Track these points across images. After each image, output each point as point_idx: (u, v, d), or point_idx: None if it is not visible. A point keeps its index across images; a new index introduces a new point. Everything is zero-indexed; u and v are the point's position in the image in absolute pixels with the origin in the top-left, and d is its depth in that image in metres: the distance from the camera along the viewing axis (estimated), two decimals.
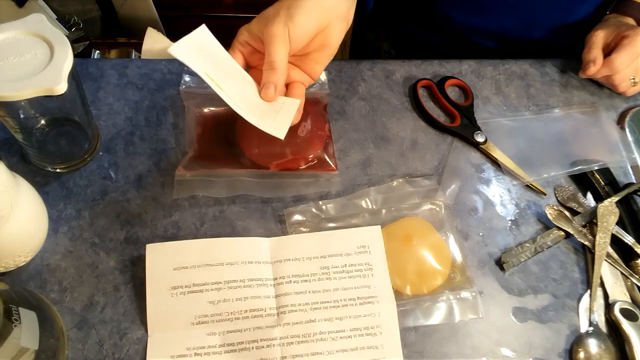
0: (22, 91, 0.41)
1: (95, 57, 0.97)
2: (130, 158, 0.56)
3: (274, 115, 0.49)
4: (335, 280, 0.50)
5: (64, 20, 0.97)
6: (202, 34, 0.49)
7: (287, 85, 0.50)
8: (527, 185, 0.59)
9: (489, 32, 0.74)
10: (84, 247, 0.51)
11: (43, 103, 0.48)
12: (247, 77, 0.50)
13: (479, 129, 0.62)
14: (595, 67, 0.63)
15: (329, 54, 0.50)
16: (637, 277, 0.53)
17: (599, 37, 0.64)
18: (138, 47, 0.86)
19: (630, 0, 0.68)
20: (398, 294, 0.50)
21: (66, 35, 0.45)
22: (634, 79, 0.64)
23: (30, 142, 0.51)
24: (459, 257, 0.53)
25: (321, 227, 0.54)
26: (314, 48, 0.49)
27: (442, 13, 0.74)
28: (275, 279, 0.50)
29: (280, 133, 0.48)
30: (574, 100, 0.67)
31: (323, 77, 0.62)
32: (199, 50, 0.48)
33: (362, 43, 0.92)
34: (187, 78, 0.60)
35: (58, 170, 0.54)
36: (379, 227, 0.53)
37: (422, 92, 0.65)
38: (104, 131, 0.58)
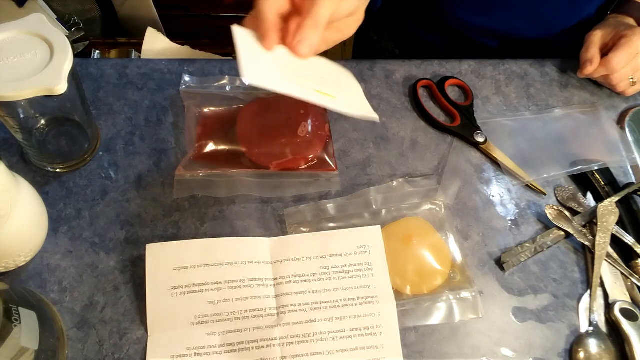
0: (22, 91, 0.41)
1: (95, 57, 0.97)
2: (130, 158, 0.56)
3: (346, 94, 0.47)
4: (335, 280, 0.50)
5: (64, 20, 0.97)
6: (243, 37, 0.44)
7: None
8: (527, 185, 0.59)
9: (495, 31, 0.74)
10: (84, 247, 0.51)
11: (43, 103, 0.48)
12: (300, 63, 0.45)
13: (479, 129, 0.62)
14: (592, 67, 0.63)
15: (357, 21, 0.48)
16: (637, 277, 0.53)
17: (597, 37, 0.64)
18: (138, 47, 0.86)
19: (630, 1, 0.68)
20: (398, 294, 0.50)
21: (66, 35, 0.45)
22: (632, 78, 0.64)
23: (30, 142, 0.51)
24: (459, 257, 0.53)
25: (321, 227, 0.54)
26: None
27: (448, 12, 0.74)
28: (275, 279, 0.50)
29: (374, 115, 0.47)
30: (574, 100, 0.67)
31: None
32: (259, 61, 0.43)
33: (366, 43, 0.92)
34: (187, 78, 0.60)
35: (58, 170, 0.54)
36: (379, 227, 0.53)
37: (422, 92, 0.65)
38: (104, 131, 0.58)
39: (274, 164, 0.55)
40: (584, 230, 0.56)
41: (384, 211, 0.55)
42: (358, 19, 0.49)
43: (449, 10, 0.74)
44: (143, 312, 0.48)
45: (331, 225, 0.54)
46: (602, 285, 0.53)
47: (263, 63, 0.43)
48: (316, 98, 0.43)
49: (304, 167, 0.56)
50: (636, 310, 0.51)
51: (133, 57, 0.98)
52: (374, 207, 0.55)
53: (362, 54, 0.95)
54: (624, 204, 0.57)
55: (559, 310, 0.52)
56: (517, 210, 0.58)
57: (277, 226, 0.54)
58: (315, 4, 0.43)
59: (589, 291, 0.53)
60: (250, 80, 0.41)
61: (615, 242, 0.55)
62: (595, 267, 0.53)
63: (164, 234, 0.52)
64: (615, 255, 0.55)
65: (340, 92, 0.46)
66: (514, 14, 0.71)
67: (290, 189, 0.55)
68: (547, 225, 0.57)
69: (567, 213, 0.56)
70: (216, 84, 0.60)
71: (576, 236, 0.55)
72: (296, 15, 0.46)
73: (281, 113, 0.57)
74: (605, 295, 0.53)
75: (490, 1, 0.71)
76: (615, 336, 0.51)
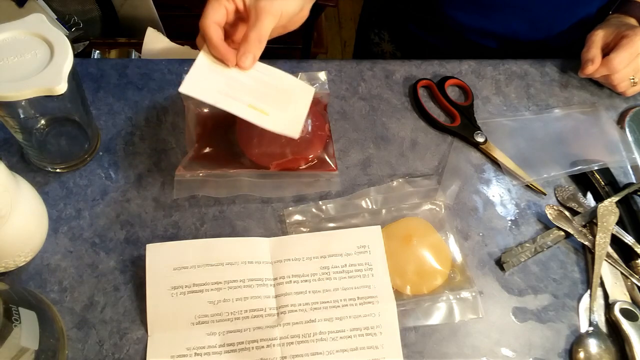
0: (22, 91, 0.41)
1: (95, 57, 0.97)
2: (130, 158, 0.56)
3: (287, 107, 0.52)
4: (335, 280, 0.50)
5: (64, 20, 0.97)
6: (202, 60, 0.50)
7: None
8: (527, 185, 0.59)
9: (495, 33, 0.74)
10: (84, 247, 0.51)
11: (43, 103, 0.48)
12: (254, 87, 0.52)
13: (479, 129, 0.62)
14: (594, 67, 0.63)
15: (302, 18, 0.53)
16: (637, 277, 0.53)
17: (598, 37, 0.64)
18: (138, 47, 0.86)
19: (632, 1, 0.68)
20: (398, 294, 0.50)
21: (66, 35, 0.45)
22: (633, 79, 0.64)
23: (30, 142, 0.51)
24: (459, 257, 0.53)
25: (321, 227, 0.54)
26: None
27: (447, 14, 0.74)
28: (275, 279, 0.50)
29: (295, 131, 0.51)
30: (574, 100, 0.67)
31: (323, 77, 0.62)
32: (207, 78, 0.50)
33: (366, 44, 0.92)
34: None
35: (58, 170, 0.54)
36: (379, 227, 0.53)
37: (422, 92, 0.65)
38: (104, 131, 0.58)
39: (274, 164, 0.55)
40: (584, 230, 0.56)
41: (384, 211, 0.55)
42: (303, 16, 0.52)
43: (448, 12, 0.74)
44: (143, 312, 0.48)
45: (331, 225, 0.54)
46: (602, 285, 0.53)
47: (210, 79, 0.49)
48: (245, 113, 0.49)
49: (304, 167, 0.56)
50: (636, 310, 0.51)
51: (133, 57, 0.98)
52: (374, 207, 0.55)
53: (363, 55, 0.95)
54: (624, 204, 0.57)
55: (559, 310, 0.52)
56: (517, 210, 0.58)
57: (277, 226, 0.54)
58: (258, 18, 0.48)
59: (589, 291, 0.53)
60: (184, 91, 0.48)
61: (615, 242, 0.55)
62: (595, 267, 0.53)
63: (164, 234, 0.52)
64: (615, 255, 0.55)
65: (279, 108, 0.51)
66: (512, 17, 0.71)
67: (290, 189, 0.55)
68: (547, 225, 0.57)
69: (567, 213, 0.56)
70: None
71: (576, 236, 0.55)
72: (241, 21, 0.52)
73: None
74: (605, 295, 0.53)
75: (489, 4, 0.71)
76: (615, 336, 0.51)
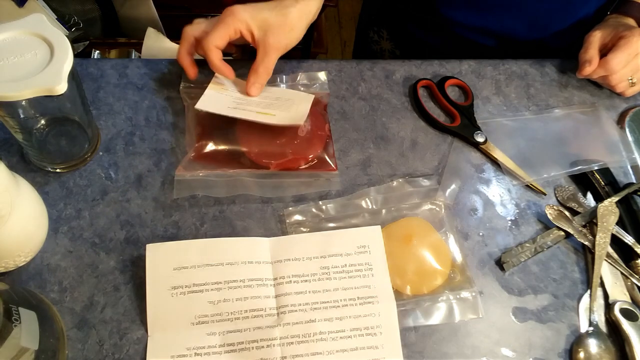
0: (22, 91, 0.41)
1: (95, 57, 0.97)
2: (130, 158, 0.56)
3: (289, 108, 0.57)
4: (335, 280, 0.50)
5: (64, 20, 0.97)
6: (212, 86, 0.58)
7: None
8: (527, 185, 0.60)
9: (493, 32, 0.74)
10: (84, 247, 0.51)
11: (43, 103, 0.48)
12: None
13: (479, 129, 0.62)
14: (591, 67, 0.63)
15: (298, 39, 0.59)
16: (637, 277, 0.53)
17: (596, 37, 0.64)
18: (138, 47, 0.86)
19: (630, 1, 0.68)
20: (398, 294, 0.50)
21: (66, 35, 0.45)
22: (631, 79, 0.64)
23: (30, 142, 0.51)
24: (459, 257, 0.53)
25: (321, 227, 0.54)
26: None
27: (444, 15, 0.74)
28: (275, 279, 0.50)
29: (300, 120, 0.56)
30: (574, 100, 0.67)
31: (323, 77, 0.62)
32: (218, 99, 0.57)
33: (366, 44, 0.92)
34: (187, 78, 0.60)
35: (58, 170, 0.54)
36: (379, 227, 0.53)
37: (422, 92, 0.65)
38: (104, 131, 0.58)
39: (274, 164, 0.55)
40: (584, 230, 0.56)
41: (384, 211, 0.55)
42: (298, 38, 0.58)
43: (445, 12, 0.74)
44: (143, 312, 0.48)
45: (331, 225, 0.54)
46: (602, 285, 0.53)
47: (223, 94, 0.58)
48: (254, 117, 0.55)
49: (304, 167, 0.56)
50: (636, 310, 0.51)
51: (133, 57, 0.98)
52: (374, 207, 0.55)
53: (362, 54, 0.95)
54: (624, 204, 0.57)
55: (559, 310, 0.52)
56: (517, 210, 0.58)
57: (277, 226, 0.54)
58: (267, 54, 0.56)
59: (589, 291, 0.53)
60: (199, 107, 0.55)
61: (615, 242, 0.55)
62: (595, 267, 0.53)
63: (164, 234, 0.52)
64: (615, 255, 0.55)
65: (283, 110, 0.57)
66: (509, 16, 0.71)
67: (290, 189, 0.55)
68: (547, 225, 0.57)
69: (567, 213, 0.56)
70: None
71: (576, 236, 0.55)
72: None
73: None
74: (605, 295, 0.53)
75: (485, 5, 0.71)
76: (615, 336, 0.51)
